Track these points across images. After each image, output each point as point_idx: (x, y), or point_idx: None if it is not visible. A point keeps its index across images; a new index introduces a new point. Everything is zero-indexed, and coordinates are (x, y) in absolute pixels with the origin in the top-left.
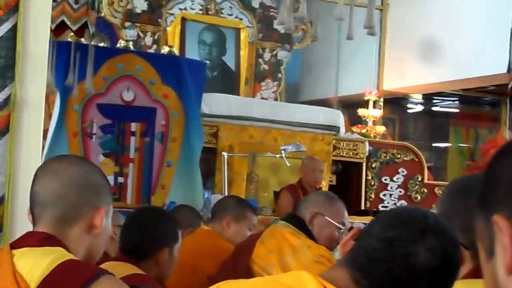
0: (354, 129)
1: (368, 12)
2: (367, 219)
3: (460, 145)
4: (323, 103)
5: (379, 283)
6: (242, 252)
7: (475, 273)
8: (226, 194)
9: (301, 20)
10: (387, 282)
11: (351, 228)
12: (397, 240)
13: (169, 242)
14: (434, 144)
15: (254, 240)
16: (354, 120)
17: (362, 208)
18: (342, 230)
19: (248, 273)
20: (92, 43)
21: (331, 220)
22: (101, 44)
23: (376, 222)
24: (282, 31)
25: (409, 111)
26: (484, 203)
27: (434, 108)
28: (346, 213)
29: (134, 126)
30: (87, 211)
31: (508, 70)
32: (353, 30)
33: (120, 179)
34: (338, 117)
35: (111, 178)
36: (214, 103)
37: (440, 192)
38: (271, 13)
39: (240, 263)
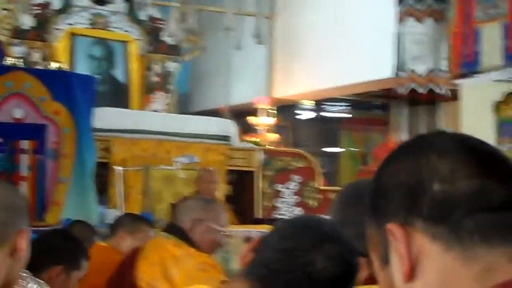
0: (247, 138)
1: (257, 21)
2: (263, 228)
3: (352, 149)
4: (215, 113)
5: None
6: (126, 268)
7: (372, 280)
8: (123, 208)
9: (190, 31)
10: None
11: (249, 238)
12: (295, 250)
13: (63, 260)
14: (326, 150)
15: (136, 256)
16: (246, 129)
17: (257, 216)
18: (225, 233)
19: None
20: None
21: (212, 225)
22: None
23: (274, 232)
24: (171, 43)
25: (301, 117)
26: (376, 211)
27: (325, 114)
28: (226, 216)
29: (25, 144)
30: (11, 234)
31: (395, 74)
32: (241, 40)
33: None
34: (230, 127)
35: None
36: (105, 117)
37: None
38: (159, 25)
39: (126, 279)
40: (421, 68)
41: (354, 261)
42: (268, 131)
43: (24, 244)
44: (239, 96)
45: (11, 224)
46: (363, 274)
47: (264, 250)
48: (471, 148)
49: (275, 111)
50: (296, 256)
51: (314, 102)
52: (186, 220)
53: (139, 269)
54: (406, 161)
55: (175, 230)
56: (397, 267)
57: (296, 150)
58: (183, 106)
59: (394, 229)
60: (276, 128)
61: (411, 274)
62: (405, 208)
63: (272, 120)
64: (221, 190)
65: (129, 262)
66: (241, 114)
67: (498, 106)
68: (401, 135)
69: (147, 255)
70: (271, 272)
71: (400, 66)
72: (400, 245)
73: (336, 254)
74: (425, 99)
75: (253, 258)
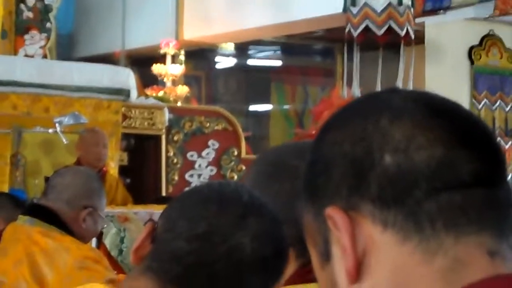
0: (149, 92)
1: None
2: None
3: (284, 107)
4: (107, 59)
5: None
6: None
7: (301, 276)
8: None
9: None
10: None
11: (150, 221)
12: (213, 234)
13: None
14: (251, 108)
15: None
16: (148, 80)
17: (163, 193)
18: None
19: None
20: None
21: (102, 216)
22: None
23: (175, 213)
24: None
25: (218, 66)
26: (312, 192)
27: (250, 61)
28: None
29: None
30: None
31: (344, 9)
32: None
33: None
34: (127, 77)
35: None
36: None
37: None
38: None
39: None
40: (378, 3)
41: (283, 235)
42: (176, 83)
43: None
44: (137, 38)
45: None
46: (290, 268)
47: (170, 239)
48: (434, 109)
49: (184, 58)
50: (215, 243)
51: (234, 46)
52: (73, 205)
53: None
54: (351, 126)
55: (44, 214)
56: (340, 264)
57: (212, 108)
58: (65, 50)
59: (335, 214)
60: (186, 79)
61: (356, 272)
62: (349, 188)
63: (180, 69)
64: (113, 159)
65: None
66: (140, 62)
67: (473, 52)
68: (349, 89)
69: (8, 249)
70: (187, 269)
71: (351, 0)
72: (342, 236)
73: (263, 230)
74: (382, 43)
75: (154, 251)
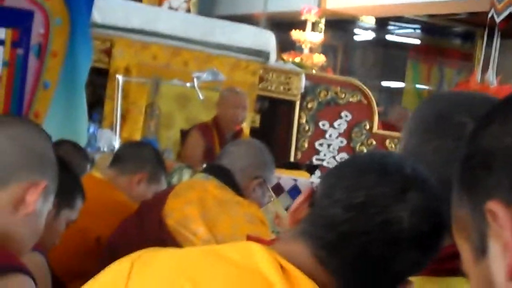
0: (285, 56)
1: None
2: (299, 175)
3: (418, 86)
4: (246, 19)
5: (352, 262)
6: (151, 207)
7: (439, 264)
8: (118, 129)
9: None
10: (362, 261)
11: (279, 187)
12: (370, 205)
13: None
14: (385, 83)
15: (165, 194)
16: (285, 45)
17: (292, 159)
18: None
19: (161, 229)
20: None
21: (270, 189)
22: None
23: (334, 180)
24: None
25: (356, 38)
26: (470, 185)
27: (389, 37)
28: None
29: (2, 33)
30: (12, 180)
31: None
32: None
33: None
34: (268, 40)
35: None
36: (108, 9)
37: (393, 146)
38: None
39: (149, 221)
40: None
41: (446, 212)
42: (313, 50)
43: (32, 199)
44: (279, 2)
45: (15, 168)
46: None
47: (327, 205)
48: None
49: (324, 26)
50: (372, 213)
51: (375, 20)
52: (245, 173)
53: (167, 206)
54: None
55: (219, 172)
56: (499, 260)
57: (349, 79)
58: (207, 7)
59: (497, 209)
60: (323, 48)
61: None
62: None
63: (319, 37)
64: (247, 120)
65: (156, 203)
66: (279, 26)
67: None
68: (488, 76)
69: (179, 193)
70: (341, 236)
71: None
72: (505, 231)
73: (424, 205)
74: None
75: (311, 215)
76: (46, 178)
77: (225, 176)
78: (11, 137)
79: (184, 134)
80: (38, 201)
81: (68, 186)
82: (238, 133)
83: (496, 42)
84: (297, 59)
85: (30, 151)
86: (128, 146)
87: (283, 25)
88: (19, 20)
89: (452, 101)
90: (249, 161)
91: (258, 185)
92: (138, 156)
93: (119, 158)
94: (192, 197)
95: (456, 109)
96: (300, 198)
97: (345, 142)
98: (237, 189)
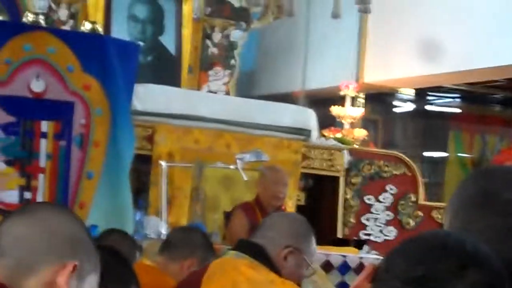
0: (326, 133)
1: None
2: (348, 251)
3: (461, 155)
4: (286, 98)
5: None
6: None
7: None
8: (164, 215)
9: None
10: None
11: (329, 263)
12: (429, 279)
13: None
14: (427, 154)
15: (199, 276)
16: (325, 121)
17: (339, 235)
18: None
19: None
20: None
21: (307, 260)
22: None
23: (396, 256)
24: (237, 5)
25: (396, 110)
26: None
27: (429, 107)
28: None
29: (45, 126)
30: (41, 265)
31: None
32: (341, 6)
33: (27, 195)
34: (309, 118)
35: (15, 194)
36: (148, 97)
37: (439, 216)
38: None
39: None
40: None
41: None
42: (354, 125)
43: (62, 281)
44: (318, 79)
45: (43, 254)
46: None
47: (387, 279)
48: None
49: (364, 101)
50: None
51: (414, 91)
52: (276, 243)
53: None
54: None
55: (251, 248)
56: None
57: (392, 152)
58: (245, 87)
59: None
60: (364, 122)
61: None
62: None
63: (359, 112)
64: (291, 198)
65: (189, 284)
66: (319, 102)
67: None
68: None
69: (213, 277)
70: None
71: None
72: None
73: (485, 281)
74: None
75: None
76: (78, 259)
77: (257, 253)
78: (36, 223)
79: (228, 215)
80: (72, 282)
81: (122, 276)
82: (280, 210)
83: None
84: (339, 135)
85: (56, 234)
86: (178, 232)
87: (322, 102)
88: (61, 112)
89: (497, 177)
90: (279, 230)
91: (290, 254)
92: (188, 241)
93: (169, 244)
94: (226, 283)
95: (503, 185)
96: (362, 275)
97: (391, 215)
98: (271, 265)
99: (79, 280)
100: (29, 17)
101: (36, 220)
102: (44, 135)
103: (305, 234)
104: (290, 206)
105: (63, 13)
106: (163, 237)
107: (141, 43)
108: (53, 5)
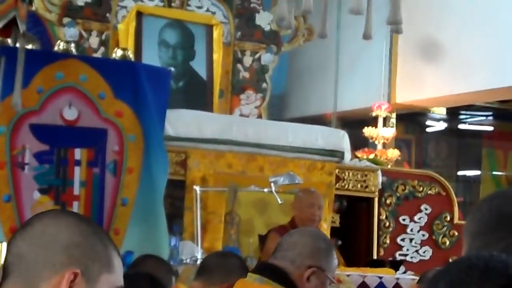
0: (359, 154)
1: (393, 3)
2: (383, 271)
3: (495, 173)
4: (318, 120)
5: None
6: None
7: None
8: (199, 240)
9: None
10: None
11: (365, 285)
12: None
13: None
14: (461, 173)
15: None
16: (358, 142)
17: (375, 256)
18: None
19: None
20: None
21: (330, 277)
22: (31, 47)
23: (440, 277)
24: (267, 28)
25: (429, 130)
26: None
27: (461, 126)
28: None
29: (78, 153)
30: (49, 277)
31: None
32: (371, 27)
33: None
34: (342, 139)
35: None
36: (180, 122)
37: None
38: (252, 5)
39: None
40: None
41: None
42: (386, 146)
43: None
44: (349, 100)
45: (39, 268)
46: None
47: None
48: None
49: (397, 121)
50: None
51: (446, 110)
52: (298, 263)
53: None
54: None
55: (272, 273)
56: None
57: (426, 172)
58: (277, 110)
59: None
60: (396, 142)
61: None
62: None
63: (392, 132)
64: (326, 220)
65: None
66: (351, 124)
67: None
68: None
69: None
70: None
71: None
72: None
73: None
74: None
75: None
76: (79, 265)
77: (279, 276)
78: (33, 238)
79: (263, 238)
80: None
81: None
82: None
83: None
84: (372, 156)
85: (52, 246)
86: (214, 257)
87: (354, 123)
88: (93, 140)
89: (509, 198)
90: (300, 250)
91: (313, 275)
92: (225, 266)
93: (205, 269)
94: None
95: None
96: None
97: (427, 235)
98: (292, 286)
99: (90, 284)
100: (60, 46)
101: (33, 234)
102: (77, 162)
103: (326, 250)
104: (325, 228)
105: (94, 40)
106: (199, 262)
107: (172, 69)
108: (84, 33)
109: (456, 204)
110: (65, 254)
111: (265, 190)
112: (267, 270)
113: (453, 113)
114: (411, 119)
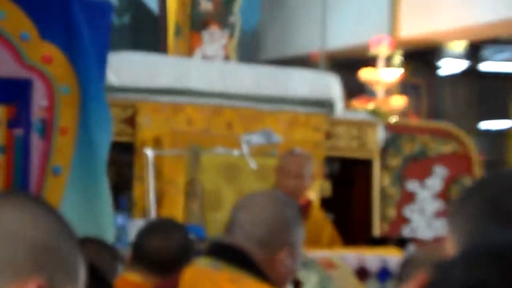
0: (355, 103)
1: None
2: (387, 252)
3: None
4: (301, 62)
5: None
6: None
7: None
8: (153, 216)
9: None
10: None
11: (363, 269)
12: (488, 284)
13: None
14: (485, 125)
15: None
16: (353, 89)
17: (376, 233)
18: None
19: None
20: None
21: (300, 250)
22: None
23: (455, 260)
24: None
25: (443, 71)
26: None
27: (484, 66)
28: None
29: None
30: (7, 282)
31: None
32: None
33: None
34: (331, 85)
35: None
36: (126, 68)
37: None
38: None
39: None
40: None
41: None
42: (390, 92)
43: None
44: (340, 36)
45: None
46: None
47: (444, 286)
48: None
49: (401, 60)
50: None
51: (466, 46)
52: (275, 242)
53: None
54: None
55: (231, 254)
56: None
57: (439, 124)
58: (249, 51)
59: None
60: (403, 88)
61: None
62: None
63: (396, 75)
64: (314, 189)
65: None
66: (343, 66)
67: None
68: None
69: None
70: None
71: None
72: None
73: None
74: None
75: None
76: (43, 273)
77: (239, 260)
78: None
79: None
80: None
81: None
82: (305, 207)
83: None
84: (370, 105)
85: (14, 243)
86: (151, 235)
87: (347, 64)
88: (14, 93)
89: (508, 185)
90: (268, 228)
91: (287, 254)
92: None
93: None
94: None
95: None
96: (413, 283)
97: (443, 204)
98: (256, 270)
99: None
100: None
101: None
102: None
103: (294, 221)
104: (314, 199)
105: None
106: None
107: (115, 1)
108: None
109: (478, 165)
110: (29, 256)
111: (235, 152)
112: (225, 252)
113: (474, 50)
114: (420, 58)
